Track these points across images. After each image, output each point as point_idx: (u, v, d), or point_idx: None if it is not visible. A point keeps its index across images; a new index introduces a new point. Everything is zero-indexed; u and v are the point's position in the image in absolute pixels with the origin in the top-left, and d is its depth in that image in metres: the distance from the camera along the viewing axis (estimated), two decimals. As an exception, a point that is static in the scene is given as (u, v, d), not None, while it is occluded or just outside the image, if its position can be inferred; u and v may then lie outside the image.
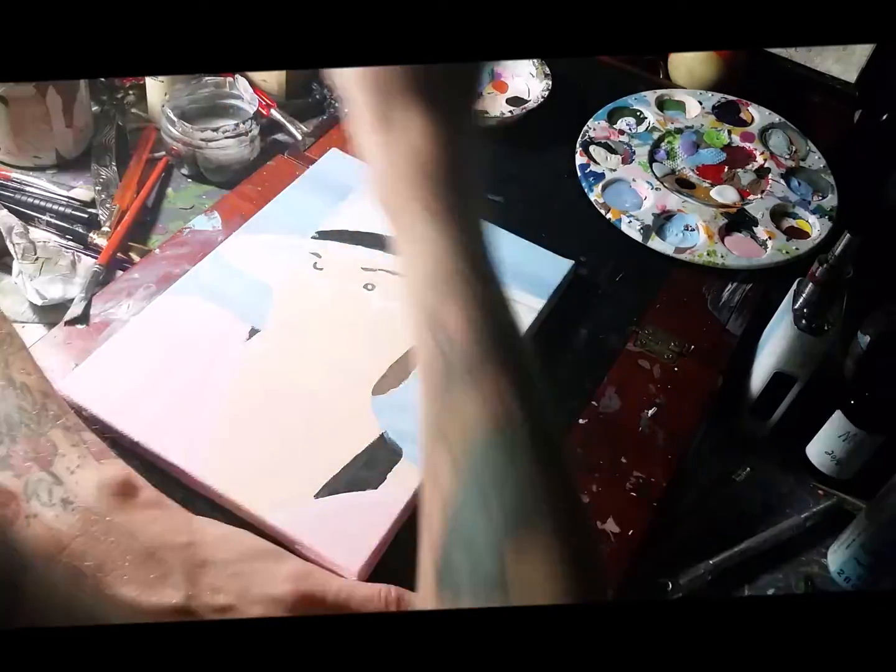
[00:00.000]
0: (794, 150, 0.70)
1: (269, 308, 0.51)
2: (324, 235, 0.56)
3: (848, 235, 0.51)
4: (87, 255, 0.60)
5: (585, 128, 0.69)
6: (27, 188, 0.63)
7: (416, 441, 0.45)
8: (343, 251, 0.55)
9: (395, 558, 0.42)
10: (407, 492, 0.44)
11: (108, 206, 0.62)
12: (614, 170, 0.66)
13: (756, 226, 0.64)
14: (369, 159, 0.33)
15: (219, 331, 0.49)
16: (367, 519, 0.42)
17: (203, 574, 0.37)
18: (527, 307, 0.53)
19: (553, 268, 0.56)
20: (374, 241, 0.55)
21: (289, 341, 0.49)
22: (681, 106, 0.73)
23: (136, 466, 0.43)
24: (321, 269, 0.53)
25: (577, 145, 0.67)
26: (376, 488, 0.44)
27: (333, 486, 0.43)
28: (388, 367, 0.49)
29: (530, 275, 0.55)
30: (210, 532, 0.38)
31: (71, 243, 0.60)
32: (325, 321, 0.51)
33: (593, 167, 0.66)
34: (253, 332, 0.49)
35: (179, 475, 0.43)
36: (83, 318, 0.51)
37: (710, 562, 0.52)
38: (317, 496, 0.43)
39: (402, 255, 0.31)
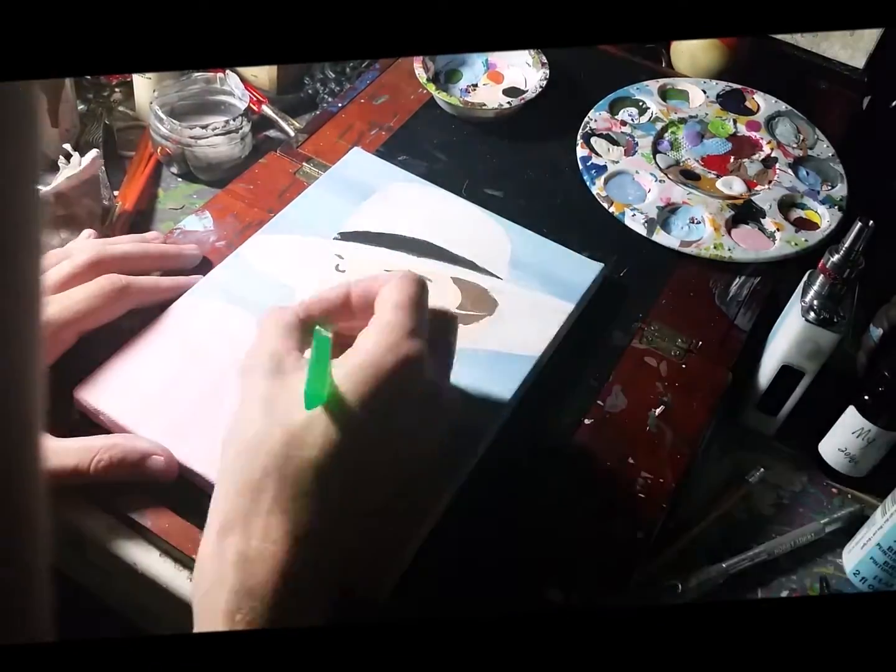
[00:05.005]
0: (801, 138, 0.68)
1: None
2: (346, 236, 0.54)
3: (859, 226, 0.50)
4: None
5: (586, 119, 0.67)
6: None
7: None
8: (366, 253, 0.53)
9: (419, 568, 0.41)
10: (432, 498, 0.42)
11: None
12: (617, 162, 0.64)
13: (764, 217, 0.62)
14: (199, 554, 0.36)
15: (240, 334, 0.48)
16: None
17: None
18: (556, 311, 0.52)
19: (582, 271, 0.54)
20: (397, 242, 0.54)
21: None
22: (684, 95, 0.71)
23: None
24: (343, 270, 0.52)
25: (578, 137, 0.66)
26: None
27: None
28: None
29: (559, 278, 0.53)
30: None
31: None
32: None
33: (595, 159, 0.64)
34: None
35: (200, 482, 0.42)
36: None
37: (724, 565, 0.51)
38: None
39: None
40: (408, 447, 0.37)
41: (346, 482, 0.35)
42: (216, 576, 0.33)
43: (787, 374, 0.54)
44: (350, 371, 0.35)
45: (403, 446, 0.37)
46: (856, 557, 0.52)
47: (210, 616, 0.33)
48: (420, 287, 0.39)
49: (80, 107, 0.68)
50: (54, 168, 0.62)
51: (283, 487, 0.33)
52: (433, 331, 0.39)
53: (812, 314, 0.52)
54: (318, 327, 0.38)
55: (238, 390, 0.37)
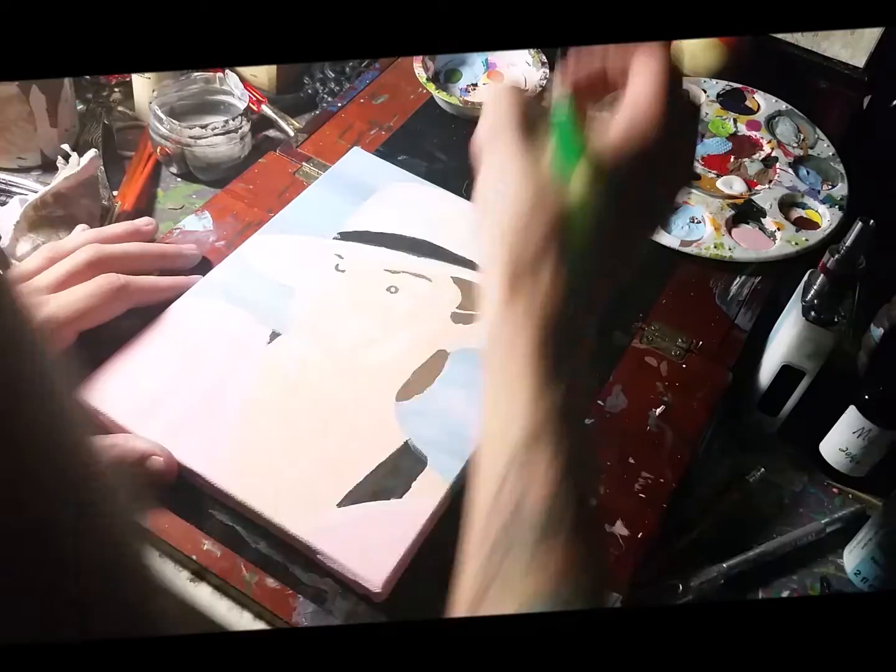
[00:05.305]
0: (801, 138, 0.68)
1: (290, 311, 0.49)
2: (346, 236, 0.54)
3: (859, 225, 0.49)
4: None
5: (586, 118, 0.67)
6: (13, 188, 0.62)
7: (440, 449, 0.44)
8: (366, 253, 0.53)
9: (419, 568, 0.41)
10: (432, 501, 0.42)
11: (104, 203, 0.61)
12: (617, 161, 0.64)
13: (764, 217, 0.62)
14: (490, 317, 0.34)
15: (239, 334, 0.48)
16: (391, 529, 0.41)
17: None
18: None
19: None
20: (397, 242, 0.54)
21: (311, 345, 0.48)
22: (684, 94, 0.71)
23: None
24: (343, 270, 0.52)
25: (578, 136, 0.66)
26: (401, 497, 0.42)
27: (356, 495, 0.42)
28: (413, 372, 0.47)
29: None
30: None
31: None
32: (347, 324, 0.49)
33: (595, 159, 0.64)
34: (274, 335, 0.48)
35: (200, 482, 0.42)
36: None
37: (724, 565, 0.51)
38: (339, 505, 0.42)
39: (497, 406, 0.32)
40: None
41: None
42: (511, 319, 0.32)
43: (787, 374, 0.54)
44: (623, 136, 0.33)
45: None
46: (857, 557, 0.52)
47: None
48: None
49: (80, 107, 0.68)
50: (53, 168, 0.62)
51: (563, 244, 0.33)
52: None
53: (813, 314, 0.52)
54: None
55: (487, 156, 0.35)
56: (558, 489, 0.30)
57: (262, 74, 0.72)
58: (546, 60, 0.68)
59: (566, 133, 0.34)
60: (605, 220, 0.34)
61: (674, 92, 0.35)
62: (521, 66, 0.70)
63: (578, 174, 0.33)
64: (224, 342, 0.47)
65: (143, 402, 0.44)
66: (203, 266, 0.52)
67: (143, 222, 0.52)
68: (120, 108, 0.69)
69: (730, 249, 0.59)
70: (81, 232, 0.50)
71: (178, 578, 0.40)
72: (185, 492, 0.42)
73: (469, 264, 0.54)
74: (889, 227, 0.53)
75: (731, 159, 0.66)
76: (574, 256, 0.33)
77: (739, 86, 0.71)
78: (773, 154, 0.66)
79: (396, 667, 0.24)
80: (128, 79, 0.69)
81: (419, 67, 0.66)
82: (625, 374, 0.51)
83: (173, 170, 0.64)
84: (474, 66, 0.70)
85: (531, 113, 0.35)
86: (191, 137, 0.62)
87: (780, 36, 0.78)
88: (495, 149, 0.35)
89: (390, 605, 0.40)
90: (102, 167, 0.63)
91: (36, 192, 0.61)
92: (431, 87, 0.65)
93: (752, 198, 0.63)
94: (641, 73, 0.35)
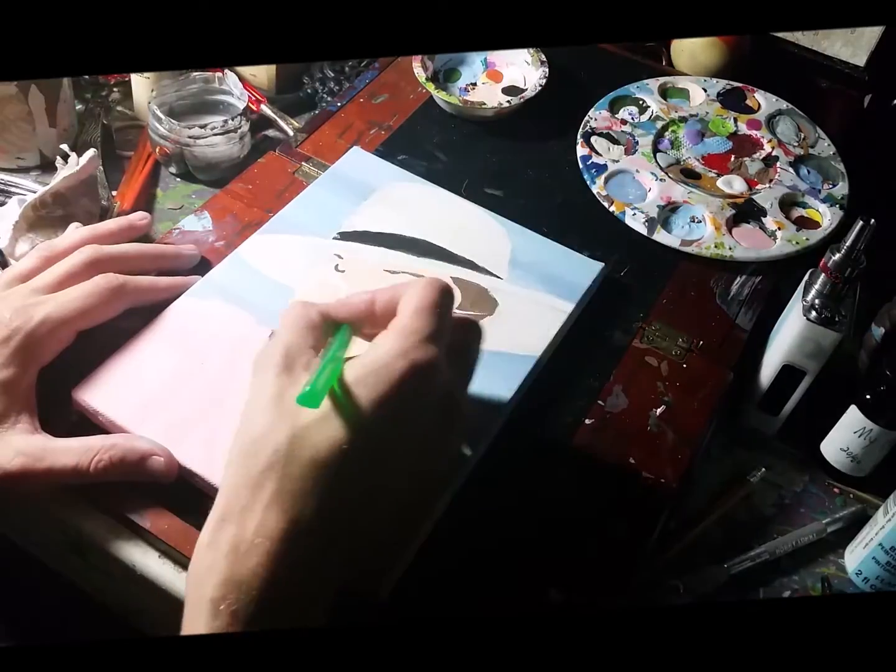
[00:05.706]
0: (802, 137, 0.68)
1: None
2: (345, 236, 0.54)
3: (860, 224, 0.49)
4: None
5: (587, 118, 0.67)
6: (12, 189, 0.62)
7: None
8: (365, 253, 0.53)
9: (419, 568, 0.41)
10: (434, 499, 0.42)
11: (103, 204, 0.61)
12: (617, 161, 0.64)
13: (765, 216, 0.62)
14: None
15: (239, 334, 0.48)
16: None
17: None
18: (556, 311, 0.51)
19: (582, 270, 0.54)
20: (397, 242, 0.54)
21: None
22: (684, 94, 0.71)
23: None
24: (343, 270, 0.52)
25: (579, 136, 0.66)
26: None
27: None
28: None
29: (559, 278, 0.53)
30: None
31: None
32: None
33: (595, 158, 0.64)
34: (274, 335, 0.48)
35: (199, 483, 0.42)
36: None
37: (725, 565, 0.51)
38: None
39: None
40: (417, 454, 0.37)
41: (350, 484, 0.35)
42: (208, 564, 0.33)
43: (788, 374, 0.54)
44: (361, 374, 0.35)
45: (412, 453, 0.36)
46: (858, 557, 0.52)
47: (197, 603, 0.33)
48: (442, 293, 0.38)
49: (78, 106, 0.68)
50: (52, 168, 0.62)
51: (283, 484, 0.33)
52: (455, 339, 0.38)
53: (813, 313, 0.52)
54: (345, 325, 0.38)
55: (249, 385, 0.37)
56: None
57: (262, 74, 0.72)
58: (545, 60, 0.68)
59: (326, 366, 0.35)
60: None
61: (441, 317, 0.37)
62: (519, 66, 0.70)
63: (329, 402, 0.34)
64: (223, 342, 0.47)
65: (143, 403, 0.44)
66: (202, 266, 0.52)
67: (136, 217, 0.52)
68: (119, 108, 0.69)
69: (730, 249, 0.59)
70: (75, 230, 0.50)
71: (178, 580, 0.40)
72: (185, 492, 0.42)
73: (469, 264, 0.54)
74: (889, 226, 0.53)
75: (732, 158, 0.66)
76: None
77: (740, 85, 0.71)
78: (773, 153, 0.66)
79: (397, 667, 0.24)
80: (127, 78, 0.69)
81: (418, 67, 0.66)
82: (625, 374, 0.51)
83: (172, 170, 0.64)
84: (473, 66, 0.70)
85: (299, 347, 0.37)
86: (190, 137, 0.62)
87: (780, 35, 0.78)
88: (257, 379, 0.37)
89: (390, 606, 0.40)
90: (101, 167, 0.63)
91: (35, 192, 0.61)
92: (431, 87, 0.65)
93: (753, 197, 0.63)
94: (406, 304, 0.37)
